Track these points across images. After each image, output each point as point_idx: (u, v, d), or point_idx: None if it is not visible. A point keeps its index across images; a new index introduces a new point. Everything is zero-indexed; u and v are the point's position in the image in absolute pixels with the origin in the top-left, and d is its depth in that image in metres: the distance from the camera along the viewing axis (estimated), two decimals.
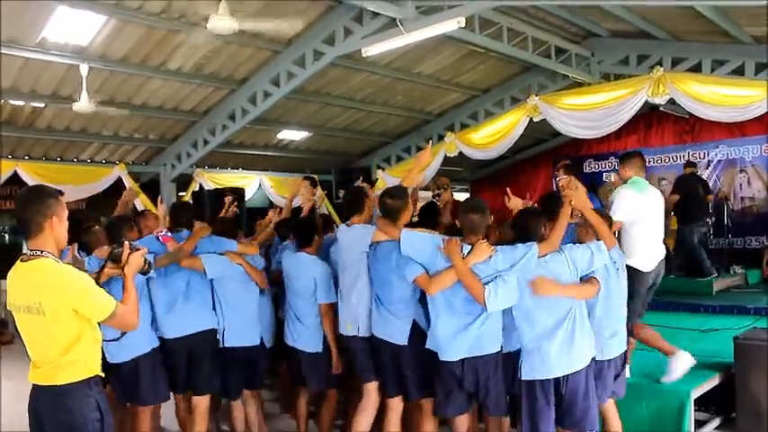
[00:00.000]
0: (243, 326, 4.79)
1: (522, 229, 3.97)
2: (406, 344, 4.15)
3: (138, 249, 3.13)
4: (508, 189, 4.76)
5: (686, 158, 13.14)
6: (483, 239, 3.88)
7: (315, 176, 7.95)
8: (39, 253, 2.72)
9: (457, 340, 3.86)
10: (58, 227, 2.78)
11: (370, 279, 4.34)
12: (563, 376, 3.76)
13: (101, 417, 2.81)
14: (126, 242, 3.17)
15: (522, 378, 3.81)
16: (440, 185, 6.13)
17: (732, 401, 5.16)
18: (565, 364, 3.77)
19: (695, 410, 4.91)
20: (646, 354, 5.86)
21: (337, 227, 5.25)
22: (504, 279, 3.77)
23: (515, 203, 4.61)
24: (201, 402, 4.71)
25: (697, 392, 4.96)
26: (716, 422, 5.27)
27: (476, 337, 3.85)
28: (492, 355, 3.90)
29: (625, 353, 4.35)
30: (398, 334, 4.18)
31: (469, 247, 3.84)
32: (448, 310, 3.88)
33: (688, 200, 9.83)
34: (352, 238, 4.41)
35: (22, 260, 2.76)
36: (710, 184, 12.59)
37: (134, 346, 4.35)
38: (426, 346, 4.02)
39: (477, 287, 3.74)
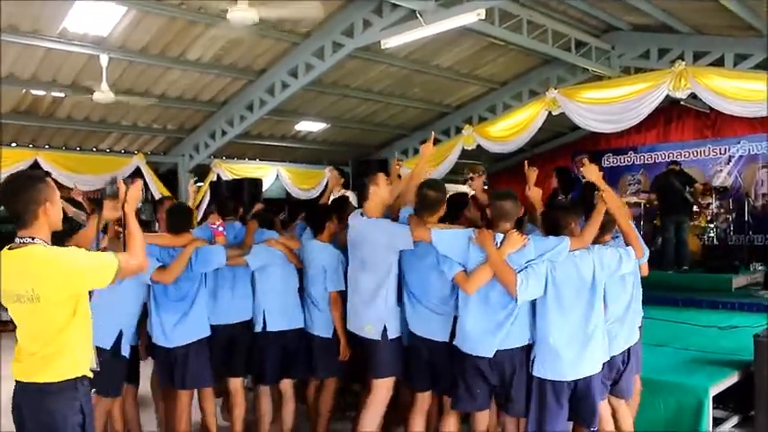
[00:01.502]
0: (287, 309, 4.87)
1: (552, 224, 3.93)
2: (447, 340, 4.07)
3: (134, 182, 2.99)
4: (533, 171, 4.73)
5: (706, 153, 13.07)
6: (514, 229, 3.84)
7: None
8: (30, 240, 2.61)
9: (491, 335, 3.78)
10: (51, 211, 2.69)
11: (402, 277, 4.28)
12: (576, 380, 3.75)
13: (83, 420, 2.72)
14: (120, 179, 3.01)
15: (534, 374, 3.78)
16: (474, 170, 6.06)
17: (751, 400, 5.11)
18: (579, 367, 3.74)
19: (713, 408, 4.86)
20: (662, 349, 5.84)
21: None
22: (533, 269, 3.72)
23: (536, 194, 4.54)
24: (238, 384, 4.93)
25: (715, 390, 4.91)
26: (734, 420, 5.22)
27: (508, 330, 3.78)
28: (518, 348, 3.81)
29: (629, 352, 4.24)
30: (439, 331, 4.11)
31: (501, 236, 3.79)
32: (482, 305, 3.82)
33: (662, 196, 10.42)
34: (378, 233, 4.28)
35: (10, 248, 2.65)
36: (731, 180, 12.51)
37: (191, 332, 4.57)
38: (454, 343, 3.96)
39: (511, 276, 3.68)
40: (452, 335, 4.04)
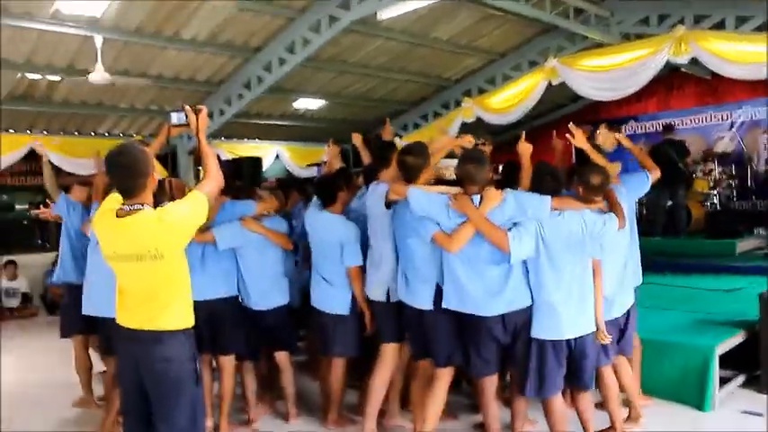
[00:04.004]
0: (265, 289, 4.77)
1: (535, 186, 3.92)
2: (431, 308, 3.98)
3: (201, 110, 3.20)
4: (523, 133, 4.65)
5: (708, 120, 12.99)
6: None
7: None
8: (140, 206, 2.82)
9: (492, 295, 3.73)
10: (155, 180, 2.94)
11: (394, 241, 4.22)
12: (574, 338, 3.74)
13: (196, 367, 2.93)
14: (186, 105, 3.21)
15: (533, 336, 3.75)
16: (483, 138, 6.01)
17: (756, 359, 5.11)
18: (577, 325, 3.74)
19: (719, 368, 4.86)
20: (668, 312, 5.84)
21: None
22: (525, 227, 3.69)
23: (525, 149, 4.45)
24: (227, 362, 4.78)
25: (721, 349, 4.92)
26: (740, 379, 5.22)
27: (510, 291, 3.72)
28: (525, 308, 3.76)
29: (629, 311, 4.29)
30: (422, 298, 4.02)
31: (478, 197, 3.74)
32: (471, 267, 3.77)
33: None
34: (378, 198, 4.21)
35: (119, 215, 2.83)
36: (733, 146, 12.44)
37: None
38: (452, 308, 3.87)
39: (499, 233, 3.63)
40: (438, 302, 3.96)
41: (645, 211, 10.73)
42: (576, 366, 3.79)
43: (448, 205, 3.78)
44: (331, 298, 4.65)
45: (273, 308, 4.81)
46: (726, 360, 5.02)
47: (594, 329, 3.83)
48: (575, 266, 3.75)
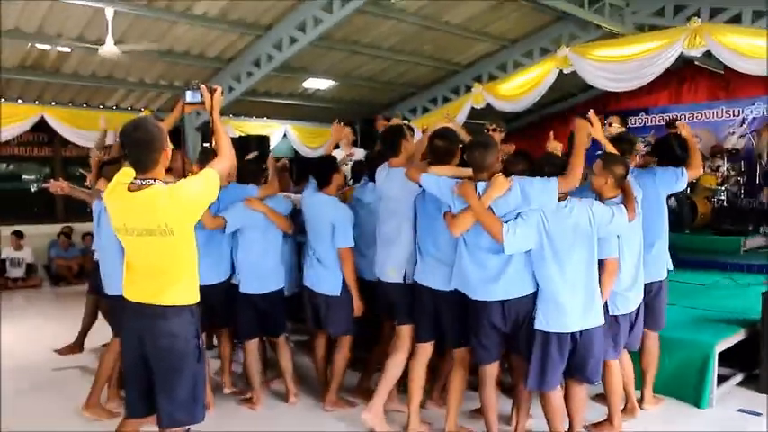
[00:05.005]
0: (262, 273, 4.80)
1: (539, 171, 3.85)
2: (449, 290, 4.00)
3: (215, 88, 3.19)
4: (551, 133, 4.63)
5: (719, 115, 12.87)
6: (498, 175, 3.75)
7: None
8: (152, 182, 2.82)
9: (490, 283, 3.73)
10: (168, 155, 2.93)
11: (415, 225, 4.25)
12: (579, 331, 3.71)
13: (199, 343, 2.97)
14: (201, 84, 3.20)
15: (537, 328, 3.73)
16: (495, 124, 5.99)
17: (756, 357, 5.11)
18: (582, 318, 3.70)
19: (718, 366, 4.86)
20: (670, 308, 5.79)
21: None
22: (524, 218, 3.65)
23: (554, 146, 4.45)
24: (224, 334, 5.09)
25: (721, 346, 4.90)
26: (738, 377, 5.22)
27: (508, 277, 3.71)
28: (529, 296, 3.75)
29: (639, 306, 4.28)
30: (442, 281, 4.03)
31: (483, 185, 3.71)
32: (472, 255, 3.77)
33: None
34: (398, 182, 4.22)
35: (131, 189, 2.84)
36: (743, 143, 12.34)
37: None
38: (453, 286, 3.91)
39: (496, 225, 3.61)
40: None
41: None
42: (580, 360, 3.75)
43: (452, 191, 3.79)
44: (324, 279, 4.72)
45: (268, 292, 4.84)
46: (725, 357, 5.01)
47: (602, 323, 3.80)
48: (581, 259, 3.71)
